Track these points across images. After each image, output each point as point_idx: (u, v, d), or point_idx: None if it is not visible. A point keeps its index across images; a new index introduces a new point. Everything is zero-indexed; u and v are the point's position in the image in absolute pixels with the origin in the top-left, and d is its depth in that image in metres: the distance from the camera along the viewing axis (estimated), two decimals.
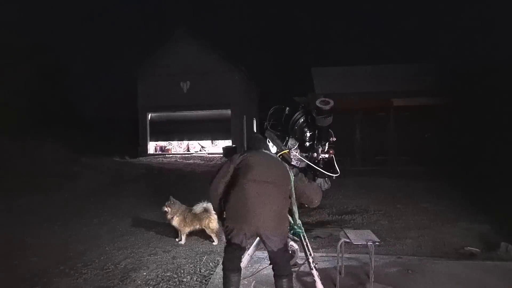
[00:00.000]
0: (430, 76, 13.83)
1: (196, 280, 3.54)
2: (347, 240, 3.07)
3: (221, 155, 15.00)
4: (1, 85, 12.64)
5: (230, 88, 16.37)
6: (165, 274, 3.69)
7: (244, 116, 17.93)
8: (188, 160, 14.19)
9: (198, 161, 13.98)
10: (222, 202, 2.66)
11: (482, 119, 11.64)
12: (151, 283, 3.51)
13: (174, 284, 3.48)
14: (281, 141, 2.96)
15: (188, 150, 17.26)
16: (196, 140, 17.85)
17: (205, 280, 3.49)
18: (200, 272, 3.73)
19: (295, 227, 2.81)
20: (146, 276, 3.66)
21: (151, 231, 5.20)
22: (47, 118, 15.93)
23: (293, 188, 2.67)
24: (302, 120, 3.00)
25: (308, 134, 2.98)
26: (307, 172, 2.85)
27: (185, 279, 3.57)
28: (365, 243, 2.98)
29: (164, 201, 4.89)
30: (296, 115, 3.05)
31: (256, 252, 4.14)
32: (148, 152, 16.80)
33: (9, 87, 12.94)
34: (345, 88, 14.50)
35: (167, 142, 17.94)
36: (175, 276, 3.65)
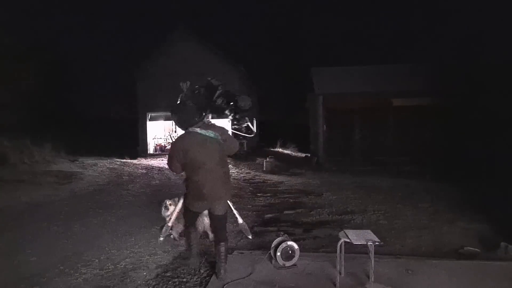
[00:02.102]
0: (429, 76, 13.84)
1: (196, 281, 3.54)
2: (347, 240, 3.07)
3: None
4: (1, 85, 12.63)
5: (230, 88, 16.34)
6: (165, 274, 3.69)
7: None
8: None
9: None
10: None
11: (482, 119, 11.65)
12: (151, 283, 3.51)
13: (174, 284, 3.48)
14: (198, 115, 3.38)
15: None
16: None
17: (205, 281, 3.50)
18: (200, 272, 3.73)
19: None
20: (146, 276, 3.66)
21: (151, 231, 5.20)
22: (47, 118, 15.93)
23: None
24: (223, 103, 3.69)
25: (228, 114, 3.80)
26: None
27: (185, 279, 3.57)
28: (365, 243, 2.98)
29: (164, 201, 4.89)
30: (215, 97, 3.65)
31: (256, 252, 4.16)
32: (148, 152, 16.78)
33: (9, 87, 12.94)
34: (345, 88, 14.51)
35: (167, 142, 17.94)
36: (175, 276, 3.65)
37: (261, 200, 7.69)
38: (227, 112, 3.74)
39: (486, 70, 12.61)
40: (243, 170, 12.76)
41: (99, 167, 11.02)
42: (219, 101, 3.67)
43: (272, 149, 21.10)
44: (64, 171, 9.87)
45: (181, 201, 3.70)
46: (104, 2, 50.06)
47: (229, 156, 3.85)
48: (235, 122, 4.03)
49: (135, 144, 17.04)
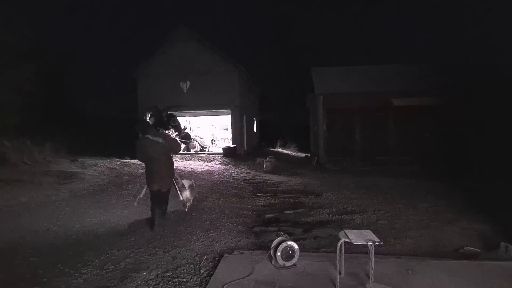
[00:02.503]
0: (429, 76, 13.84)
1: (196, 280, 3.55)
2: (347, 240, 3.07)
3: (221, 155, 14.99)
4: (1, 85, 12.63)
5: (230, 88, 16.33)
6: (165, 274, 3.69)
7: (244, 116, 17.91)
8: (188, 160, 14.18)
9: (198, 161, 13.97)
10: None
11: (482, 119, 11.66)
12: (151, 283, 3.51)
13: (174, 284, 3.48)
14: (152, 127, 5.49)
15: (188, 150, 17.23)
16: (196, 140, 17.84)
17: (205, 281, 3.50)
18: (200, 272, 3.74)
19: None
20: (146, 276, 3.66)
21: (151, 231, 5.20)
22: (47, 117, 15.91)
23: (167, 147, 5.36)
24: (168, 120, 5.80)
25: (173, 130, 6.20)
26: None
27: (185, 279, 3.57)
28: (365, 243, 2.98)
29: None
30: (163, 116, 5.77)
31: (256, 252, 4.16)
32: None
33: (8, 86, 12.93)
34: (345, 88, 14.51)
35: None
36: (175, 276, 3.65)
37: (261, 200, 7.69)
38: (170, 126, 5.83)
39: (486, 69, 12.62)
40: (243, 170, 12.75)
41: (99, 167, 11.00)
42: (164, 119, 5.74)
43: (272, 149, 21.09)
44: (64, 171, 9.86)
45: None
46: (104, 1, 50.03)
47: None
48: (176, 132, 6.50)
49: (135, 144, 17.02)
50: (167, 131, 6.07)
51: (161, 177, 5.23)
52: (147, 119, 6.09)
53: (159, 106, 6.13)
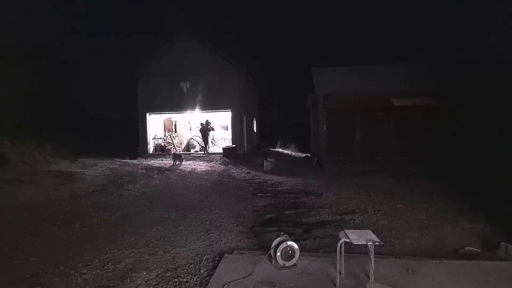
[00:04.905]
0: (429, 76, 13.84)
1: (196, 281, 3.55)
2: (347, 240, 3.07)
3: (221, 155, 14.99)
4: (2, 85, 12.64)
5: (230, 88, 16.33)
6: (165, 274, 3.70)
7: (244, 116, 17.90)
8: (188, 160, 14.19)
9: (198, 161, 13.98)
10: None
11: (482, 119, 11.65)
12: (151, 283, 3.51)
13: (174, 284, 3.48)
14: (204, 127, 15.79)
15: (188, 150, 17.24)
16: (196, 140, 17.85)
17: (205, 281, 3.50)
18: (200, 272, 3.74)
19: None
20: (146, 276, 3.66)
21: (151, 231, 5.21)
22: (48, 118, 15.92)
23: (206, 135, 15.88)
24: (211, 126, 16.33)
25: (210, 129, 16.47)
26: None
27: (185, 279, 3.57)
28: (365, 243, 2.98)
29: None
30: (206, 123, 15.83)
31: (256, 252, 4.16)
32: (148, 152, 16.76)
33: (10, 87, 12.94)
34: (345, 88, 14.51)
35: (167, 142, 17.92)
36: (175, 276, 3.66)
37: (261, 200, 7.69)
38: (210, 129, 16.13)
39: (486, 69, 12.61)
40: (243, 170, 12.75)
41: (99, 167, 11.02)
42: (206, 125, 15.72)
43: (272, 149, 21.10)
44: (64, 171, 9.87)
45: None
46: (105, 2, 50.00)
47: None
48: (209, 127, 16.12)
49: (135, 144, 17.02)
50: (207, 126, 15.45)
51: (205, 138, 15.38)
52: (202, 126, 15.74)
53: (204, 122, 15.50)
